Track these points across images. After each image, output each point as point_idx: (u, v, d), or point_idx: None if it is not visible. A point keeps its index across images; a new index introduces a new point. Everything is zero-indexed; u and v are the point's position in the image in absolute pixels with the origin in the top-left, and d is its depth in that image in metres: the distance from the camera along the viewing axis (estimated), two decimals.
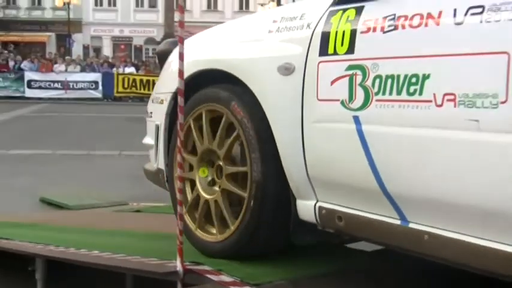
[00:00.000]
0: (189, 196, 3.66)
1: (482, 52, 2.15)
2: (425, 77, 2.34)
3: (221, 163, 3.41)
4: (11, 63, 34.03)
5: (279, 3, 46.61)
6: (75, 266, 3.99)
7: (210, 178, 3.54)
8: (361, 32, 2.64)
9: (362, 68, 2.61)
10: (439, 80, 2.31)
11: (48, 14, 51.10)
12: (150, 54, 50.25)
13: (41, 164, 10.84)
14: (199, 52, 3.69)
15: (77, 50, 46.15)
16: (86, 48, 50.83)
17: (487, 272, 2.28)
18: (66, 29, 45.42)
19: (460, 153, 2.23)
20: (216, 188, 3.47)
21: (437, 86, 2.31)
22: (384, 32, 2.54)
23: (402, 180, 2.50)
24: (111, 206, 7.51)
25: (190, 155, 3.63)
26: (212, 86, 3.46)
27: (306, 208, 3.02)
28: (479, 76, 2.16)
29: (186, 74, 3.29)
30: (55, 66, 33.42)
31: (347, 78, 2.67)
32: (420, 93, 2.37)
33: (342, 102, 2.69)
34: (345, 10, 2.78)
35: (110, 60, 37.10)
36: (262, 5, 46.23)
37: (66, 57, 35.96)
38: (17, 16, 49.20)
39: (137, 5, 52.70)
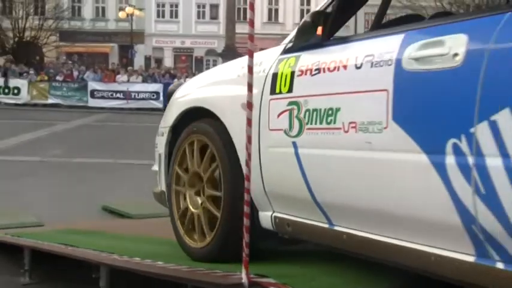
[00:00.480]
0: (182, 206, 4.36)
1: (372, 90, 2.88)
2: (337, 109, 3.08)
3: (204, 185, 4.11)
4: (75, 73, 34.72)
5: None
6: (138, 274, 4.01)
7: (198, 194, 4.23)
8: (297, 76, 3.40)
9: (297, 104, 3.35)
10: (345, 112, 3.04)
11: (111, 26, 51.97)
12: (211, 65, 50.65)
13: (103, 173, 10.98)
14: (189, 93, 4.46)
15: (138, 61, 46.81)
16: (147, 59, 51.48)
17: (402, 266, 2.88)
18: (128, 40, 46.08)
19: (363, 168, 2.91)
20: (200, 204, 4.16)
21: (344, 117, 3.04)
22: (312, 75, 3.30)
23: (326, 191, 3.22)
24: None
25: (184, 173, 4.32)
26: (200, 120, 4.17)
27: (265, 218, 3.72)
28: (370, 108, 2.87)
29: (180, 111, 4.36)
30: (117, 76, 33.96)
31: (288, 112, 3.41)
32: (334, 123, 3.10)
33: (285, 131, 3.43)
34: (288, 58, 3.54)
35: (171, 71, 37.54)
36: None
37: (129, 68, 36.53)
38: (81, 27, 50.11)
39: (198, 17, 53.16)
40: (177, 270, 3.76)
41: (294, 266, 3.84)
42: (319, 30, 3.43)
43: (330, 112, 3.14)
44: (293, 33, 3.63)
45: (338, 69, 3.15)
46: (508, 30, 2.42)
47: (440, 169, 2.56)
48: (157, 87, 32.81)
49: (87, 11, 51.98)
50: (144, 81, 33.78)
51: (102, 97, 32.90)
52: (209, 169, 4.06)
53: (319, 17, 3.44)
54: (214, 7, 52.77)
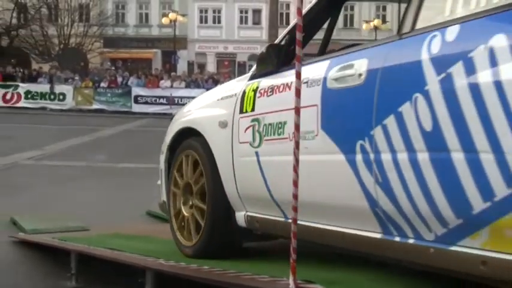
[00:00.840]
0: (177, 206, 5.04)
1: (307, 106, 3.52)
2: (285, 123, 3.84)
3: (194, 194, 4.80)
4: (119, 79, 35.07)
5: (384, 21, 46.29)
6: (183, 279, 4.01)
7: (189, 201, 4.89)
8: (258, 97, 4.20)
9: (258, 120, 4.13)
10: (290, 125, 3.60)
11: (154, 31, 52.34)
12: None
13: (147, 178, 11.03)
14: (182, 116, 5.22)
15: (181, 66, 47.08)
16: (190, 64, 51.71)
17: (338, 249, 3.64)
18: (171, 45, 46.35)
19: (304, 169, 3.36)
20: (190, 209, 4.85)
21: (290, 128, 3.68)
22: (267, 96, 4.11)
23: (280, 190, 3.89)
24: None
25: (180, 178, 4.98)
26: (191, 137, 4.86)
27: (240, 217, 4.41)
28: (306, 120, 3.49)
29: (175, 131, 5.13)
30: (161, 82, 34.20)
31: (251, 128, 4.19)
32: (283, 134, 3.86)
33: (250, 143, 4.20)
34: (252, 84, 4.35)
35: (214, 76, 37.68)
36: (367, 22, 45.98)
37: (172, 73, 36.74)
38: (125, 33, 50.62)
39: (241, 22, 53.25)
40: (223, 275, 3.75)
41: (337, 271, 3.81)
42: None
43: (280, 125, 3.92)
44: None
45: (285, 91, 3.94)
46: (393, 55, 3.20)
47: (353, 165, 3.29)
48: (200, 92, 32.76)
49: (131, 17, 52.45)
50: (187, 86, 33.96)
51: (146, 102, 33.18)
52: (199, 183, 4.72)
53: (273, 49, 4.26)
54: (257, 12, 52.86)
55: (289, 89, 3.84)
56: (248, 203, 4.34)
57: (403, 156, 2.98)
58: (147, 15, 52.98)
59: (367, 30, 45.84)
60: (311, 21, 4.24)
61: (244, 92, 4.38)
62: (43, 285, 6.24)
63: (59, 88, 33.70)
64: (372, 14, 49.66)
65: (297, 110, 3.29)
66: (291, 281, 3.19)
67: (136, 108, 32.99)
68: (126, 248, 5.26)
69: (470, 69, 2.66)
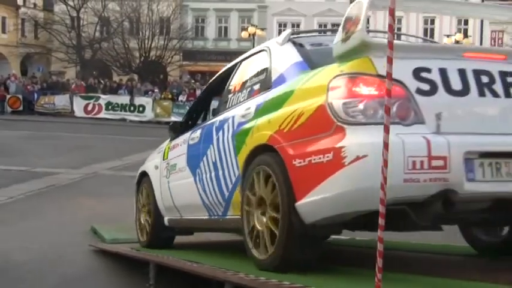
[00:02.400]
0: (140, 218, 7.33)
1: (183, 153, 6.39)
2: (176, 163, 6.41)
3: (146, 211, 7.18)
4: (198, 92, 35.39)
5: (465, 36, 45.44)
6: None
7: (145, 214, 7.24)
8: (170, 151, 6.75)
9: (168, 163, 6.66)
10: (178, 164, 6.37)
11: (233, 45, 52.58)
12: None
13: None
14: (143, 165, 7.65)
15: None
16: None
17: (207, 230, 6.59)
18: None
19: (183, 188, 6.13)
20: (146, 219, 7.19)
21: (178, 166, 6.37)
22: (171, 150, 6.69)
23: (177, 200, 6.38)
24: None
25: (142, 198, 7.36)
26: (145, 176, 7.32)
27: (166, 220, 6.74)
28: (183, 161, 6.25)
29: (139, 172, 7.60)
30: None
31: (167, 168, 6.68)
32: (176, 169, 6.39)
33: (166, 176, 6.67)
34: (169, 143, 6.88)
35: None
36: (448, 36, 45.19)
37: None
38: (204, 47, 50.98)
39: None
40: None
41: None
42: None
43: (174, 164, 6.52)
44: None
45: (176, 147, 6.61)
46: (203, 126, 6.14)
47: (195, 183, 5.90)
48: None
49: (210, 31, 52.89)
50: None
51: None
52: (149, 203, 7.03)
53: (174, 125, 7.06)
54: (336, 27, 52.63)
55: (178, 146, 6.54)
56: (167, 211, 6.72)
57: (207, 175, 5.65)
58: (226, 29, 53.37)
59: None
60: (202, 104, 7.03)
61: (165, 148, 6.96)
62: None
63: (138, 100, 34.20)
64: (454, 28, 48.84)
65: (387, 108, 3.18)
66: None
67: None
68: (205, 260, 5.23)
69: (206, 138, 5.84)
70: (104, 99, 34.40)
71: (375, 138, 3.71)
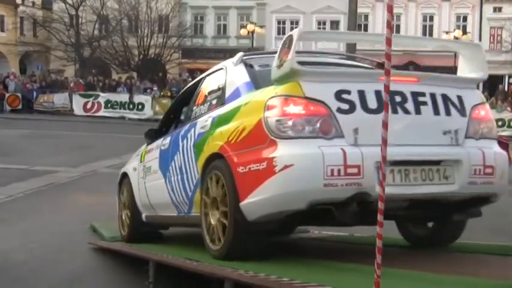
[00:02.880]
0: (121, 213, 7.98)
1: (155, 158, 7.02)
2: (151, 166, 7.04)
3: (125, 206, 7.81)
4: None
5: (464, 32, 45.43)
6: None
7: (123, 210, 7.98)
8: (146, 153, 7.39)
9: (145, 166, 7.29)
10: (152, 167, 7.02)
11: (232, 43, 52.52)
12: None
13: None
14: (124, 167, 8.27)
15: None
16: None
17: (172, 225, 7.26)
18: None
19: (157, 188, 6.75)
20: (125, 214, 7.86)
21: (152, 169, 7.00)
22: (147, 154, 7.33)
23: (152, 199, 6.98)
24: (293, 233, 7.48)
25: (123, 197, 8.03)
26: (126, 177, 7.96)
27: (143, 217, 7.27)
28: (156, 165, 6.95)
29: (120, 174, 8.27)
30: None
31: (143, 170, 7.29)
32: (151, 171, 7.03)
33: (142, 177, 7.27)
34: (146, 147, 7.49)
35: None
36: (447, 33, 45.19)
37: None
38: (203, 45, 50.86)
39: None
40: (304, 286, 3.67)
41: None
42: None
43: (149, 167, 7.12)
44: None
45: (151, 152, 7.23)
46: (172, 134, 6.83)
47: (166, 184, 6.52)
48: None
49: (209, 28, 52.82)
50: None
51: None
52: (128, 200, 7.64)
53: (149, 131, 7.50)
54: (335, 23, 52.53)
55: (153, 150, 7.16)
56: (144, 208, 7.27)
57: (175, 178, 6.31)
58: (225, 26, 53.31)
59: None
60: (174, 112, 7.60)
61: (142, 152, 7.61)
62: None
63: (137, 98, 34.18)
64: (452, 24, 48.79)
65: (386, 110, 3.18)
66: None
67: None
68: (204, 258, 5.23)
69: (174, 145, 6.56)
70: (103, 97, 34.40)
71: (300, 150, 4.62)
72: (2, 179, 12.08)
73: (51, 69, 48.26)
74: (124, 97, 34.37)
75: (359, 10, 40.71)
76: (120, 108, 34.04)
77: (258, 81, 5.48)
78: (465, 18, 49.89)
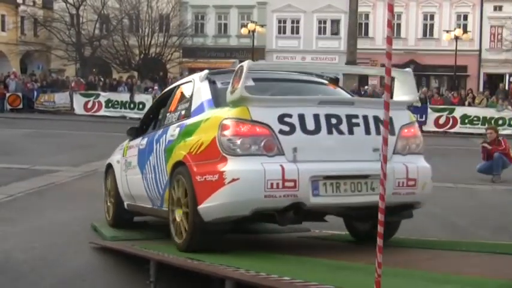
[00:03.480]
0: (107, 203, 8.79)
1: (134, 155, 7.76)
2: (132, 161, 7.79)
3: (109, 194, 8.59)
4: None
5: (465, 31, 45.37)
6: None
7: (108, 197, 8.75)
8: (128, 149, 8.16)
9: (126, 160, 8.04)
10: (132, 162, 7.78)
11: (233, 42, 52.55)
12: None
13: None
14: (110, 157, 8.95)
15: None
16: None
17: (149, 215, 7.75)
18: (250, 56, 46.23)
19: (136, 181, 7.56)
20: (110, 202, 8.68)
21: (132, 164, 7.77)
22: (129, 149, 8.10)
23: (132, 190, 7.71)
24: (294, 232, 7.48)
25: (107, 185, 8.78)
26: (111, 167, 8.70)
27: (125, 205, 7.99)
28: (134, 160, 7.70)
29: (106, 164, 8.94)
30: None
31: (125, 163, 8.04)
32: (132, 165, 7.79)
33: (124, 170, 8.03)
34: (128, 142, 8.28)
35: None
36: (447, 32, 45.13)
37: None
38: (204, 44, 50.86)
39: (319, 33, 52.88)
40: (305, 285, 3.66)
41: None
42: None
43: (130, 162, 7.82)
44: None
45: (132, 147, 7.92)
46: (149, 135, 7.56)
47: (142, 179, 7.28)
48: None
49: (210, 28, 52.81)
50: None
51: None
52: (113, 189, 8.35)
53: (131, 129, 8.27)
54: (335, 22, 52.50)
55: (133, 147, 7.88)
56: (127, 198, 7.96)
57: (150, 176, 7.03)
58: (226, 25, 53.31)
59: (447, 40, 44.88)
60: (154, 112, 8.21)
61: (125, 147, 8.30)
62: None
63: (138, 97, 34.13)
64: (453, 23, 48.77)
65: (386, 123, 3.18)
66: None
67: None
68: (204, 257, 5.23)
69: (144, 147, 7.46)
70: (103, 96, 34.40)
71: (245, 166, 5.47)
72: (3, 178, 12.08)
73: (52, 68, 48.29)
74: (125, 96, 34.35)
75: (359, 9, 40.82)
76: (121, 108, 34.03)
77: (218, 99, 6.21)
78: (466, 17, 49.84)
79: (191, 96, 6.67)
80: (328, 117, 5.73)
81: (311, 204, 5.52)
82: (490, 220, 9.65)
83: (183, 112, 6.75)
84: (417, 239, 7.17)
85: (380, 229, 3.16)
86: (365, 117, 5.88)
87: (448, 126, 29.68)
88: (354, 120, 5.82)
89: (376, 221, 5.75)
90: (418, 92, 31.99)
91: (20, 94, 34.68)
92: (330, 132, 5.68)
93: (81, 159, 15.44)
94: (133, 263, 6.32)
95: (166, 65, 46.66)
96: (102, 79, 38.44)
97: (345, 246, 6.74)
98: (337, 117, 5.77)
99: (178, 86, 7.36)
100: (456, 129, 29.52)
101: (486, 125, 24.93)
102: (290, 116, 5.64)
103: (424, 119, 29.23)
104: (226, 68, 44.53)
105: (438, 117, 29.70)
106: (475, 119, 29.43)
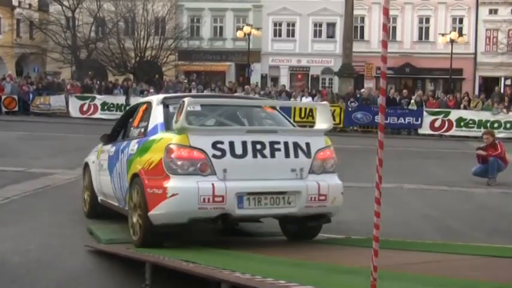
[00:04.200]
0: (85, 195, 9.79)
1: (106, 159, 8.84)
2: (104, 164, 8.88)
3: (86, 189, 9.76)
4: (193, 92, 35.28)
5: (460, 34, 45.43)
6: None
7: (86, 191, 9.83)
8: (101, 153, 9.17)
9: (99, 162, 9.10)
10: (103, 165, 8.88)
11: (229, 45, 52.57)
12: (327, 84, 50.33)
13: None
14: (87, 156, 10.02)
15: (255, 79, 46.97)
16: (264, 77, 51.65)
17: (116, 211, 8.53)
18: (245, 59, 46.38)
19: (104, 182, 8.77)
20: (87, 195, 9.70)
21: (103, 167, 8.86)
22: (102, 153, 9.13)
23: (103, 188, 8.82)
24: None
25: (85, 180, 9.88)
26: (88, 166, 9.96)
27: (99, 200, 9.06)
28: (105, 164, 8.78)
29: (84, 162, 10.11)
30: (235, 94, 34.19)
31: (98, 165, 9.12)
32: (104, 168, 8.83)
33: (98, 170, 9.12)
34: (102, 146, 9.28)
35: (288, 89, 37.60)
36: (443, 35, 45.19)
37: (246, 86, 36.73)
38: (199, 47, 50.82)
39: (315, 36, 52.90)
40: None
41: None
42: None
43: (102, 164, 8.90)
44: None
45: (104, 152, 8.93)
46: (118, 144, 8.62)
47: (111, 180, 8.38)
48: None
49: (206, 30, 52.80)
50: None
51: None
52: (88, 187, 9.54)
53: (104, 136, 9.17)
54: (331, 26, 52.57)
55: (105, 152, 8.84)
56: (100, 194, 8.94)
57: (116, 180, 8.11)
58: (221, 28, 53.31)
59: (443, 43, 44.91)
60: (124, 120, 9.19)
61: (99, 150, 9.25)
62: None
63: (134, 100, 33.75)
64: (449, 26, 48.86)
65: (381, 127, 3.19)
66: None
67: None
68: (200, 260, 5.23)
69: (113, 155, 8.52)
70: (99, 99, 34.28)
71: (183, 183, 6.65)
72: None
73: (48, 71, 48.24)
74: (120, 99, 34.23)
75: (355, 12, 40.82)
76: (116, 110, 33.82)
77: (169, 123, 7.30)
78: (461, 20, 49.99)
79: (148, 117, 7.83)
80: (254, 143, 6.90)
81: (236, 215, 6.76)
82: (486, 223, 9.67)
83: (142, 130, 7.90)
84: (413, 241, 7.18)
85: (376, 232, 3.16)
86: (285, 143, 7.05)
87: (444, 129, 29.62)
88: (276, 146, 6.99)
89: (301, 223, 7.39)
90: (414, 95, 32.29)
91: (15, 97, 34.56)
92: (255, 156, 6.86)
93: (76, 162, 15.34)
94: (129, 266, 6.32)
95: (162, 68, 46.62)
96: (97, 82, 38.35)
97: (341, 250, 6.75)
98: (262, 143, 6.93)
99: (143, 103, 8.57)
100: (452, 132, 29.48)
101: (482, 128, 24.95)
102: (222, 142, 6.82)
103: (419, 122, 29.31)
104: (222, 70, 44.50)
105: (434, 120, 29.64)
106: (471, 122, 29.40)
